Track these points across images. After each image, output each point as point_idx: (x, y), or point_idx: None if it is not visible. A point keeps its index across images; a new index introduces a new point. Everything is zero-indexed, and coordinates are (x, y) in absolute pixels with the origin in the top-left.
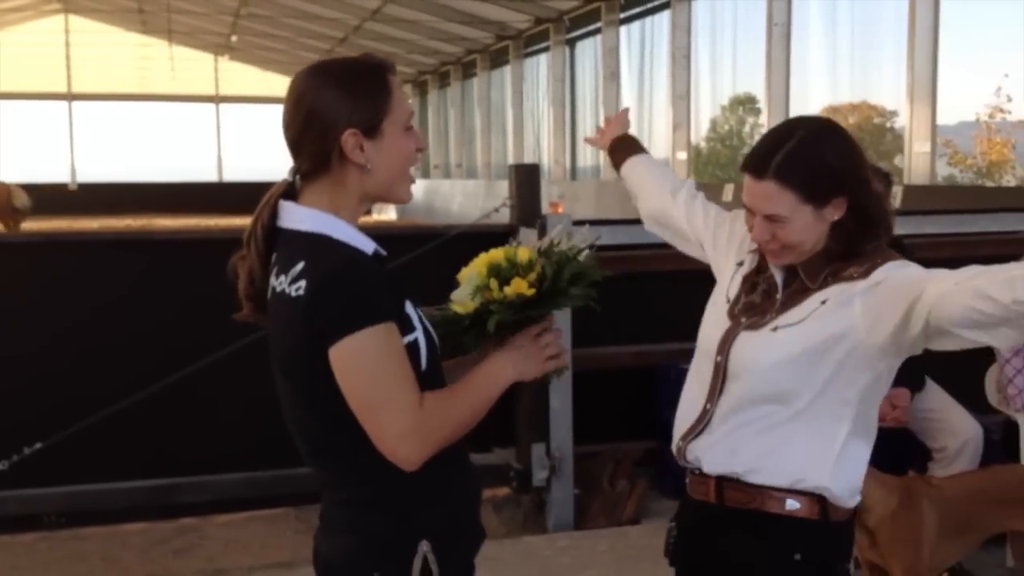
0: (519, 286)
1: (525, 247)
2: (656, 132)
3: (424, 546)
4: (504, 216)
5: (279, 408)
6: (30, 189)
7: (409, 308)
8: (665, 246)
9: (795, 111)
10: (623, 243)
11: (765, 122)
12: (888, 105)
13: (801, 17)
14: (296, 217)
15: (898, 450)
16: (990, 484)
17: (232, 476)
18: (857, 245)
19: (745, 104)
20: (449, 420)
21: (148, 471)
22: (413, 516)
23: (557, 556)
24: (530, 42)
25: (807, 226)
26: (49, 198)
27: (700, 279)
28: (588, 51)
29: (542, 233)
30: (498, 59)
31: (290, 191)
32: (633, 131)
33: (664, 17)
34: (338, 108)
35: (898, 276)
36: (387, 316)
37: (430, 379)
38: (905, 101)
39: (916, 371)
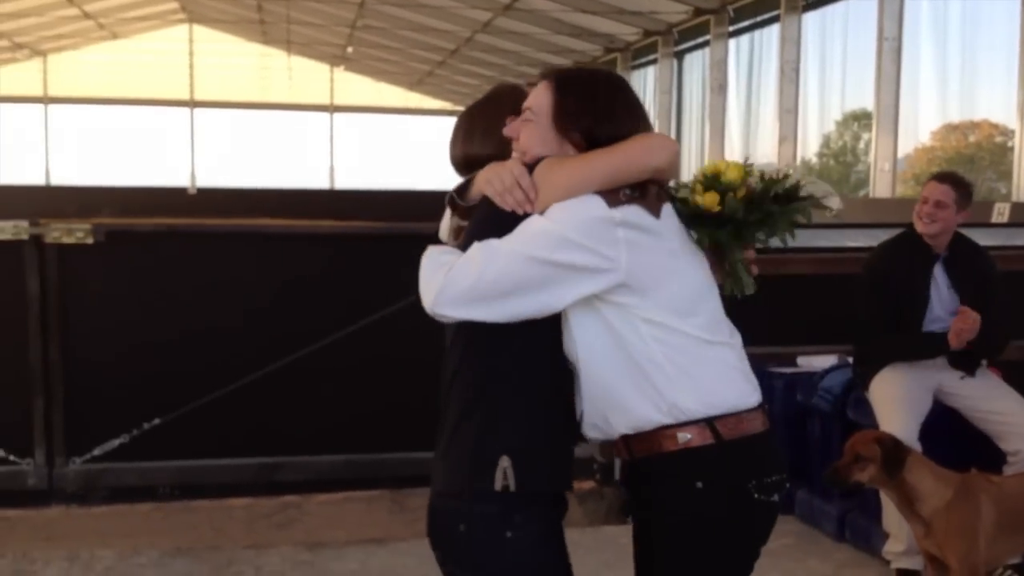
0: (710, 200)
1: (738, 165)
2: (762, 145)
3: (504, 461)
4: None
5: (380, 395)
6: (150, 193)
7: None
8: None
9: (905, 127)
10: None
11: (873, 139)
12: (1011, 124)
13: (912, 32)
14: None
15: (972, 452)
16: None
17: (333, 457)
18: None
19: (860, 120)
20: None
21: (255, 450)
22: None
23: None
24: (638, 54)
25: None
26: (169, 202)
27: (782, 283)
28: (696, 64)
29: None
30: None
31: None
32: (739, 144)
33: (773, 30)
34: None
35: None
36: None
37: None
38: (1016, 117)
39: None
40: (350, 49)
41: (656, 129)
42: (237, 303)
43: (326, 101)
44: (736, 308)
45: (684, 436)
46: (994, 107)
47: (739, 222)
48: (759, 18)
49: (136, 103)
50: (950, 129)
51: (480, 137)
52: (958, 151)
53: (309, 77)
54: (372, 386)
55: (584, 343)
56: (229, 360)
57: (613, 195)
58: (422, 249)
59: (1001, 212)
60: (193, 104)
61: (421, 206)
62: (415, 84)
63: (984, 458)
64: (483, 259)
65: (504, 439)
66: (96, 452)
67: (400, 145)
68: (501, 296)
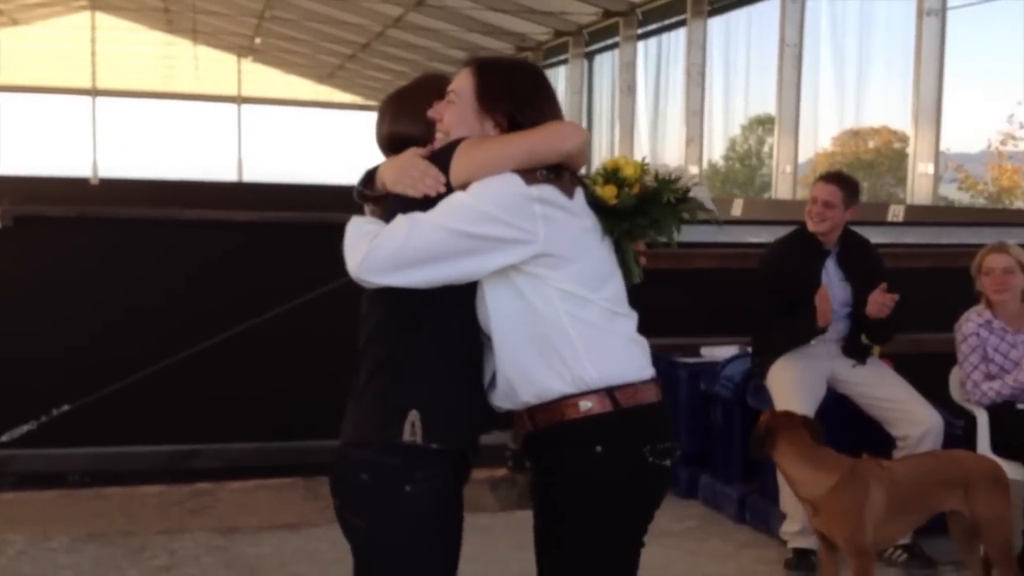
0: (607, 192)
1: (636, 163)
2: (670, 146)
3: (414, 415)
4: None
5: (293, 383)
6: (51, 183)
7: None
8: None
9: (806, 132)
10: None
11: (776, 143)
12: (905, 130)
13: (812, 39)
14: None
15: (863, 437)
16: (932, 467)
17: (245, 445)
18: None
19: (764, 124)
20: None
21: (167, 437)
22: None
23: None
24: (550, 54)
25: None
26: (70, 192)
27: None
28: (606, 65)
29: None
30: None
31: None
32: (647, 144)
33: (680, 34)
34: None
35: None
36: None
37: None
38: (910, 123)
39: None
40: (258, 40)
41: None
42: (149, 290)
43: (233, 92)
44: (641, 300)
45: (586, 404)
46: (892, 114)
47: (631, 216)
48: (667, 21)
49: (37, 91)
50: (850, 134)
51: (409, 118)
52: (857, 156)
53: (216, 68)
54: (284, 374)
55: (497, 313)
56: (140, 347)
57: (530, 174)
58: (335, 239)
59: (896, 213)
60: (95, 93)
61: (330, 200)
62: (325, 77)
63: (874, 443)
64: (407, 229)
65: (415, 395)
66: (4, 438)
67: (310, 139)
68: (424, 264)
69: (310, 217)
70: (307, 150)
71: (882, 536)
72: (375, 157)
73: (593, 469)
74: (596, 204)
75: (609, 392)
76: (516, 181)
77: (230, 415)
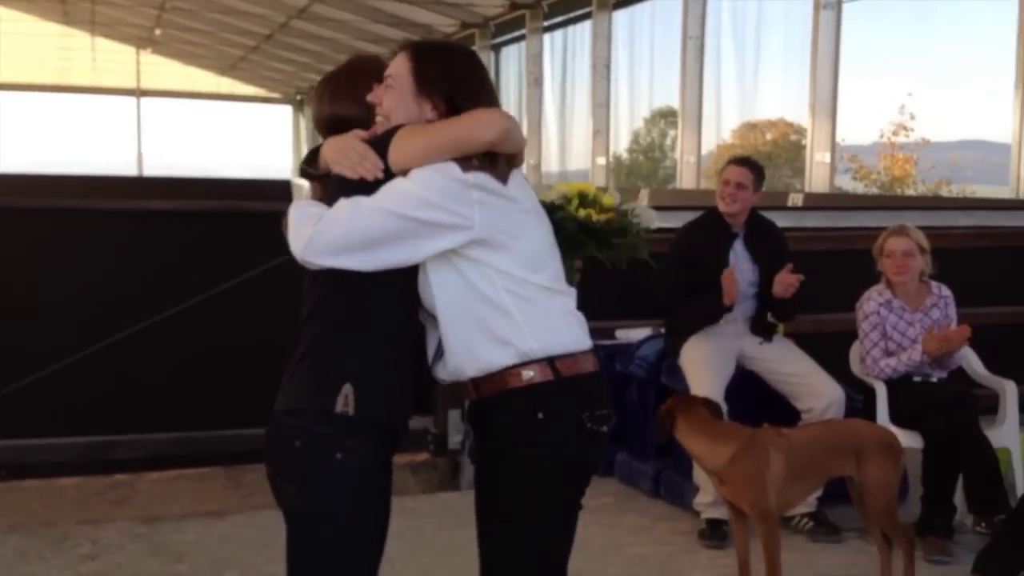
0: (582, 214)
1: (612, 196)
2: (577, 138)
3: (348, 388)
4: None
5: (212, 371)
6: None
7: None
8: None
9: (708, 125)
10: None
11: (679, 134)
12: (804, 123)
13: (714, 31)
14: None
15: (771, 410)
16: (828, 435)
17: (165, 435)
18: None
19: (666, 117)
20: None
21: (84, 428)
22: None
23: (470, 508)
24: None
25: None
26: None
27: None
28: (512, 57)
29: None
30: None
31: None
32: (555, 137)
33: (586, 27)
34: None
35: None
36: None
37: None
38: (808, 114)
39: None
40: (158, 31)
41: None
42: (64, 281)
43: (133, 85)
44: None
45: (528, 373)
46: (790, 106)
47: (593, 238)
48: (572, 14)
49: None
50: (749, 127)
51: (348, 100)
52: (756, 148)
53: (114, 59)
54: (205, 363)
55: (441, 293)
56: (55, 339)
57: (466, 162)
58: (255, 230)
59: (795, 200)
60: None
61: (236, 193)
62: (227, 69)
63: (781, 415)
64: (351, 213)
65: (350, 370)
66: None
67: (212, 131)
68: (366, 247)
69: (224, 206)
70: (209, 143)
71: (784, 500)
72: (280, 149)
73: (536, 434)
74: (564, 218)
75: (550, 362)
76: (453, 168)
77: (149, 405)
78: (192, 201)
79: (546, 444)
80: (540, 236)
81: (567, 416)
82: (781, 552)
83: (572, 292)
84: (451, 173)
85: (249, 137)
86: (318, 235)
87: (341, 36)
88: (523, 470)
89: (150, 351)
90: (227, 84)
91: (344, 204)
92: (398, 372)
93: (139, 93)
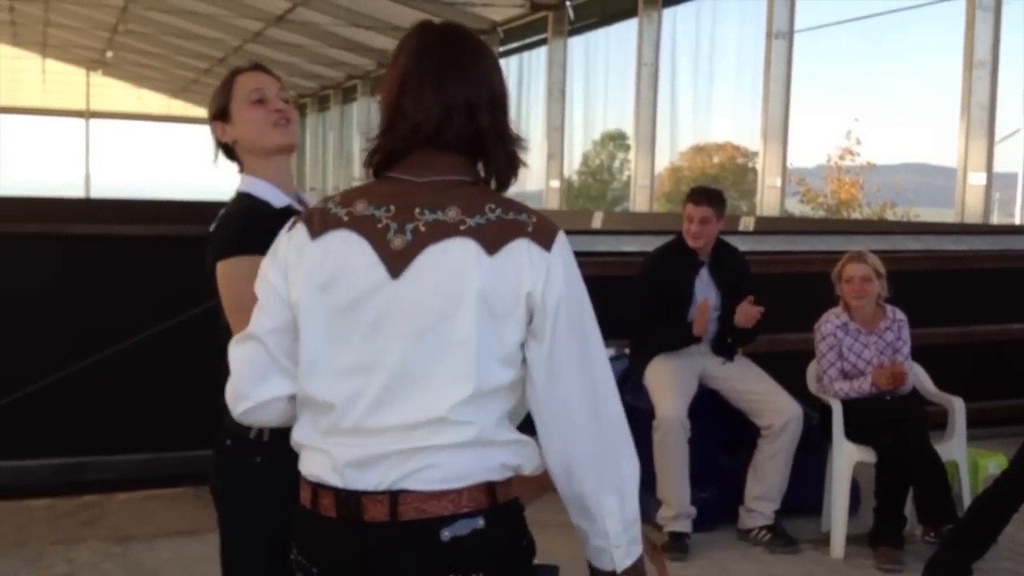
0: None
1: None
2: (532, 162)
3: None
4: None
5: (180, 393)
6: None
7: None
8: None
9: (661, 148)
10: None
11: (633, 158)
12: (751, 146)
13: (668, 58)
14: (239, 182)
15: (731, 427)
16: None
17: (134, 456)
18: None
19: (616, 140)
20: None
21: (54, 450)
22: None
23: None
24: None
25: None
26: None
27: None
28: None
29: None
30: (379, 85)
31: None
32: None
33: (541, 53)
34: (208, 112)
35: None
36: (256, 250)
37: None
38: (760, 139)
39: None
40: (110, 54)
41: None
42: (32, 305)
43: (82, 106)
44: None
45: None
46: (741, 130)
47: None
48: (527, 40)
49: None
50: (697, 151)
51: None
52: (703, 171)
53: (64, 81)
54: (173, 385)
55: None
56: (28, 361)
57: None
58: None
59: (747, 225)
60: None
61: (185, 216)
62: (179, 91)
63: (742, 432)
64: None
65: None
66: None
67: (161, 153)
68: None
69: (191, 231)
70: (158, 165)
71: None
72: (230, 172)
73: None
74: None
75: None
76: None
77: (117, 427)
78: (167, 226)
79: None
80: None
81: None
82: (739, 563)
83: None
84: None
85: (199, 158)
86: None
87: (296, 60)
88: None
89: (118, 374)
90: (178, 106)
91: None
92: None
93: (88, 115)
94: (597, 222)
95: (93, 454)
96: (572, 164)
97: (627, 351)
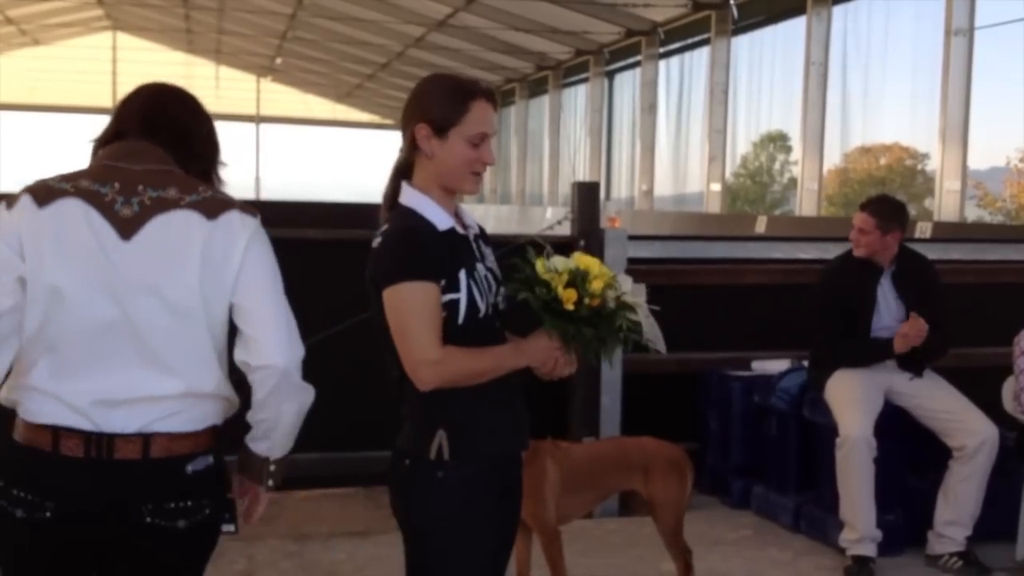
0: (568, 296)
1: (603, 277)
2: (692, 164)
3: (440, 433)
4: (566, 228)
5: (355, 396)
6: None
7: (462, 275)
8: (708, 261)
9: (829, 150)
10: (674, 257)
11: (799, 159)
12: (920, 147)
13: (838, 57)
14: (403, 193)
15: (920, 448)
16: (612, 450)
17: (310, 455)
18: None
19: (776, 141)
20: (463, 368)
21: (233, 447)
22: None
23: (606, 536)
24: (569, 73)
25: None
26: None
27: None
28: (627, 83)
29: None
30: (537, 88)
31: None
32: (668, 163)
33: (703, 53)
34: (422, 105)
35: None
36: (423, 276)
37: (464, 333)
38: (937, 142)
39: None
40: (279, 60)
41: (587, 147)
42: None
43: (252, 111)
44: (693, 316)
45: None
46: (917, 132)
47: (578, 323)
48: (689, 40)
49: (57, 110)
50: (863, 152)
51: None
52: (869, 173)
53: (235, 87)
54: (348, 387)
55: None
56: None
57: None
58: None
59: (923, 230)
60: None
61: (350, 218)
62: (343, 96)
63: (932, 453)
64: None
65: (441, 416)
66: None
67: (327, 157)
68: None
69: (361, 235)
70: (324, 168)
71: (560, 511)
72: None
73: None
74: (548, 303)
75: None
76: None
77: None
78: (346, 231)
79: None
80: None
81: None
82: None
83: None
84: None
85: (363, 162)
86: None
87: (456, 64)
88: None
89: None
90: (343, 111)
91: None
92: (491, 409)
93: (258, 119)
94: (761, 227)
95: None
96: (735, 167)
97: (804, 363)
